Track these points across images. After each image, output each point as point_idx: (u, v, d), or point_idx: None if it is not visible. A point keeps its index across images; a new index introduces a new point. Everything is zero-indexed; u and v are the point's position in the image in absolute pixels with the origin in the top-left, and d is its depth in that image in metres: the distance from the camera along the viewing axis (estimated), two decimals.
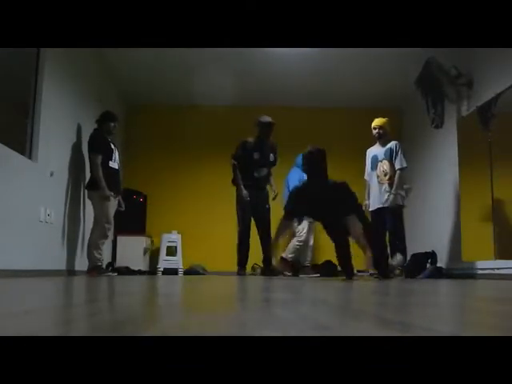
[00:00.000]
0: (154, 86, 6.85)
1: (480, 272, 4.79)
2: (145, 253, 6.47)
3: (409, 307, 1.16)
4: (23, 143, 4.01)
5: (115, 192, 4.75)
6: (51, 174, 4.33)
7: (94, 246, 4.56)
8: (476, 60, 5.15)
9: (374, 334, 0.60)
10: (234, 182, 5.31)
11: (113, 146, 4.78)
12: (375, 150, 5.17)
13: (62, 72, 4.61)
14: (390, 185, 4.94)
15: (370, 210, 5.08)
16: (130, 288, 2.04)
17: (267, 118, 5.30)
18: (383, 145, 5.09)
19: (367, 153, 5.30)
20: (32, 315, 0.81)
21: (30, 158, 4.03)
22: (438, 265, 5.44)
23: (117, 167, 4.81)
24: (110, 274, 4.85)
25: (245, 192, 5.15)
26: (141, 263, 6.26)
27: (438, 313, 0.99)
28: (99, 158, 4.56)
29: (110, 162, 4.70)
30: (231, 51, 5.65)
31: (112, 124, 4.80)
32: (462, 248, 5.36)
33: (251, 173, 5.23)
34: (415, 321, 0.78)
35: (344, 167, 7.38)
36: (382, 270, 4.10)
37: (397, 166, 4.94)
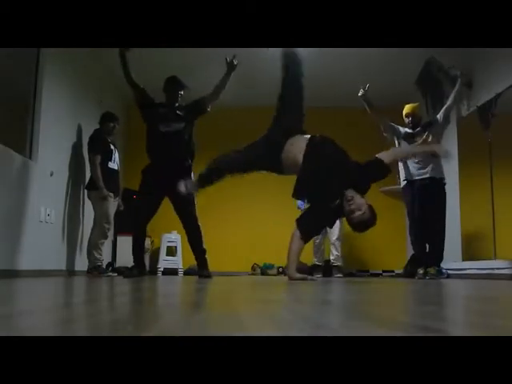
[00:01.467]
0: (154, 86, 6.83)
1: (480, 272, 4.79)
2: (145, 253, 6.47)
3: (408, 307, 1.16)
4: (23, 143, 4.01)
5: (114, 192, 4.76)
6: (51, 174, 4.33)
7: (93, 246, 4.56)
8: (476, 60, 5.15)
9: (374, 334, 0.60)
10: None
11: (112, 147, 4.80)
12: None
13: (62, 72, 4.61)
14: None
15: None
16: (129, 288, 2.04)
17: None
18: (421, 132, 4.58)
19: None
20: (31, 315, 0.81)
21: (30, 158, 4.02)
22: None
23: (116, 168, 4.83)
24: (110, 274, 4.85)
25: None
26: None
27: (437, 313, 0.99)
28: (98, 158, 4.57)
29: (110, 163, 4.71)
30: (231, 51, 5.65)
31: (111, 124, 4.81)
32: (461, 248, 5.37)
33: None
34: (415, 321, 0.78)
35: None
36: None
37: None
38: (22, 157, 3.87)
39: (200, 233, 4.13)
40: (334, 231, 5.91)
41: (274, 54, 5.74)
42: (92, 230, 4.68)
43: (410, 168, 4.58)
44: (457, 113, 5.54)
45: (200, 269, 4.14)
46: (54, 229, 4.43)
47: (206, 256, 4.16)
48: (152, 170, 4.26)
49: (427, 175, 4.48)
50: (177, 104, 4.48)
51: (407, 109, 4.83)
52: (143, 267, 4.24)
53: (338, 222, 5.43)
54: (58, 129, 4.53)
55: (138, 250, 4.13)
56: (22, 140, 4.02)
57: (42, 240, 4.15)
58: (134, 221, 4.27)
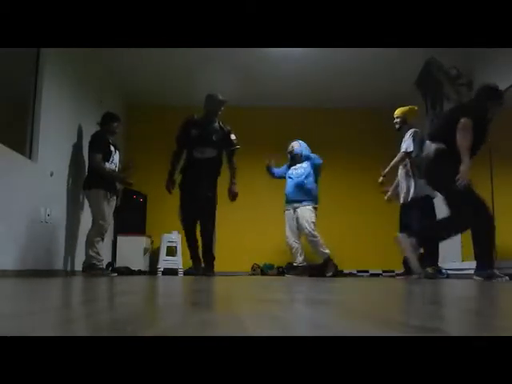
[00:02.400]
0: (154, 86, 6.85)
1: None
2: (145, 253, 6.47)
3: (408, 307, 1.16)
4: (23, 143, 4.02)
5: (111, 192, 4.78)
6: (51, 174, 4.33)
7: (89, 244, 4.55)
8: (476, 60, 5.15)
9: (374, 334, 0.60)
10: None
11: (112, 148, 4.81)
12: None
13: (62, 72, 4.61)
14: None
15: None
16: (129, 288, 2.04)
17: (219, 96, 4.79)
18: (403, 135, 4.70)
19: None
20: (32, 315, 0.81)
21: (30, 158, 4.03)
22: (438, 265, 5.43)
23: (113, 168, 4.83)
24: (110, 274, 4.84)
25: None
26: (141, 263, 6.25)
27: (437, 313, 0.99)
28: (99, 157, 4.60)
29: (106, 164, 4.72)
30: (231, 51, 5.65)
31: (115, 124, 4.86)
32: (461, 248, 5.37)
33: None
34: (415, 321, 0.78)
35: (344, 167, 7.39)
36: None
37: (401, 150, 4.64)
38: (22, 157, 3.88)
39: (212, 240, 4.65)
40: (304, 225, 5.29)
41: (274, 53, 5.75)
42: (90, 229, 4.67)
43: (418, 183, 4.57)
44: None
45: (206, 268, 4.59)
46: (54, 229, 4.43)
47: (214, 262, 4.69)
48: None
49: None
50: (215, 123, 4.81)
51: (395, 112, 4.88)
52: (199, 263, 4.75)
53: (308, 214, 5.25)
54: (57, 129, 4.53)
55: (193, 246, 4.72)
56: (22, 140, 4.02)
57: (42, 240, 4.15)
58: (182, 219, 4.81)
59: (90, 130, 4.86)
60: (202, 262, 4.75)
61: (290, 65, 6.02)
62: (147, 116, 7.33)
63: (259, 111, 7.34)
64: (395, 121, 4.79)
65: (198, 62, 5.91)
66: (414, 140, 4.57)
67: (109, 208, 4.74)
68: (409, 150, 4.58)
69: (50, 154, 4.28)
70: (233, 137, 4.84)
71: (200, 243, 4.75)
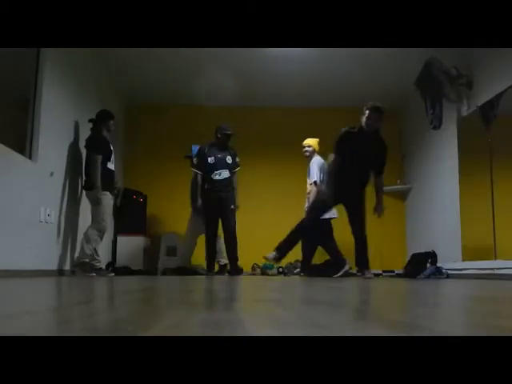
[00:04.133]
0: (154, 86, 6.85)
1: (480, 272, 4.79)
2: (145, 253, 6.47)
3: (408, 307, 1.16)
4: (23, 143, 4.02)
5: (111, 192, 4.81)
6: (51, 174, 4.33)
7: (86, 241, 4.51)
8: (476, 60, 5.15)
9: (374, 334, 0.60)
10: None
11: (112, 147, 4.82)
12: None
13: (62, 72, 4.61)
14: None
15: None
16: (129, 288, 2.04)
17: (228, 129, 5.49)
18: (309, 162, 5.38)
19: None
20: (32, 315, 0.81)
21: (30, 158, 4.03)
22: (438, 265, 5.45)
23: (113, 168, 4.85)
24: (107, 274, 4.85)
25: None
26: (141, 263, 6.25)
27: (437, 313, 0.99)
28: (100, 158, 4.59)
29: (109, 163, 4.73)
30: (231, 51, 5.65)
31: (111, 122, 4.87)
32: (461, 248, 5.37)
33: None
34: (415, 321, 0.78)
35: None
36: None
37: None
38: (22, 157, 3.88)
39: (236, 243, 5.31)
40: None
41: (275, 53, 5.75)
42: (88, 227, 4.67)
43: None
44: (457, 113, 5.54)
45: (231, 269, 5.37)
46: (54, 229, 4.43)
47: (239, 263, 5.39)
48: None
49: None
50: (227, 150, 5.55)
51: (307, 141, 5.51)
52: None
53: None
54: (58, 129, 4.53)
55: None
56: (22, 140, 4.02)
57: (42, 240, 4.15)
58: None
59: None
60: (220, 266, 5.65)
61: (290, 65, 6.02)
62: (147, 116, 7.33)
63: (259, 111, 7.34)
64: (306, 149, 5.45)
65: (198, 62, 5.91)
66: (320, 171, 5.26)
67: (108, 208, 4.74)
68: (318, 180, 5.24)
69: (50, 154, 4.28)
70: (237, 159, 5.62)
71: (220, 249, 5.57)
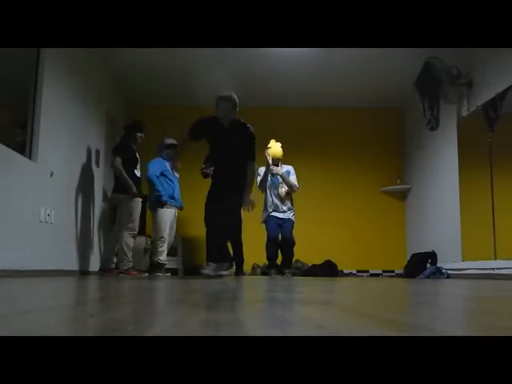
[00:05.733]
0: (154, 86, 6.84)
1: (480, 272, 4.79)
2: (145, 253, 6.46)
3: (408, 307, 1.16)
4: (23, 143, 4.01)
5: (138, 197, 5.07)
6: (51, 174, 4.33)
7: (126, 247, 4.87)
8: (476, 60, 5.16)
9: (374, 334, 0.60)
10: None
11: (138, 156, 5.08)
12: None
13: (62, 72, 4.61)
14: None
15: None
16: (129, 288, 2.04)
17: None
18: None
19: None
20: (32, 315, 0.81)
21: (30, 158, 4.02)
22: (438, 265, 5.45)
23: (139, 175, 5.09)
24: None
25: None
26: (141, 263, 6.25)
27: (437, 313, 0.99)
28: (118, 160, 4.82)
29: (135, 171, 5.00)
30: (231, 51, 5.65)
31: (139, 134, 5.10)
32: (462, 248, 5.37)
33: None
34: (415, 321, 0.78)
35: (344, 166, 7.39)
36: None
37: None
38: (22, 157, 3.88)
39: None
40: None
41: (275, 53, 5.75)
42: (119, 232, 4.89)
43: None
44: (457, 113, 5.54)
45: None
46: (54, 229, 4.43)
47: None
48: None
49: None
50: None
51: (279, 153, 5.54)
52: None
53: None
54: (58, 129, 4.53)
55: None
56: (22, 140, 4.02)
57: (42, 240, 4.15)
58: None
59: (91, 129, 4.86)
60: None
61: (290, 65, 6.02)
62: (147, 116, 7.32)
63: (259, 111, 7.33)
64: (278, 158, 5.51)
65: (198, 62, 5.91)
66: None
67: (137, 211, 4.99)
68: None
69: (50, 154, 4.28)
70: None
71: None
